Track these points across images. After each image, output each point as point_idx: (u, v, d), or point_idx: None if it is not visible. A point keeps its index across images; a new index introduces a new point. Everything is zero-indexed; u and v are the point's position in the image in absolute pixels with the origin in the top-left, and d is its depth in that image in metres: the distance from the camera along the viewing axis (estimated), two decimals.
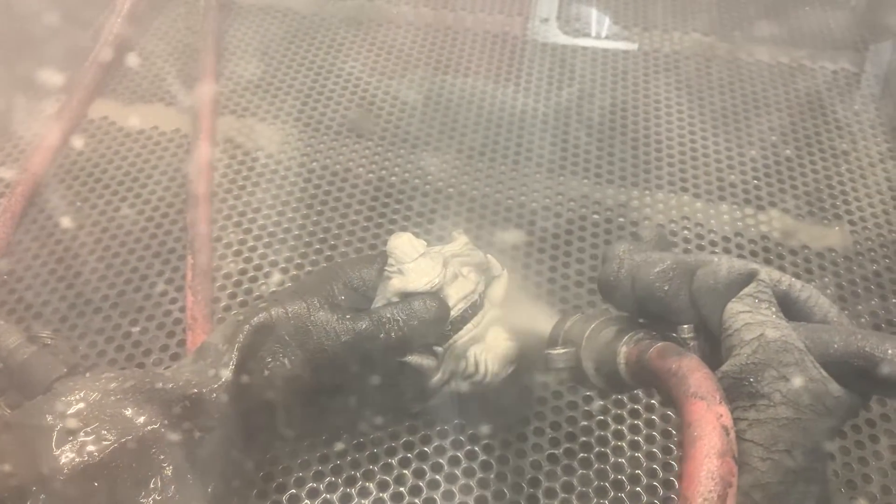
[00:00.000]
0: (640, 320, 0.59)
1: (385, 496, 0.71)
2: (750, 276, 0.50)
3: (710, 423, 0.41)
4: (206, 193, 0.96)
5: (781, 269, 0.88)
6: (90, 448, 0.50)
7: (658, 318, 0.56)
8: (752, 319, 0.47)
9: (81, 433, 0.50)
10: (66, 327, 0.85)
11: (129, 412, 0.53)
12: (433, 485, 0.72)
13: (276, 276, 0.90)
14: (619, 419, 0.77)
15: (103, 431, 0.51)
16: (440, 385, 0.67)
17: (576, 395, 0.78)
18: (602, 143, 1.08)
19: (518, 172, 1.03)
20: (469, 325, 0.67)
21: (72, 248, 0.94)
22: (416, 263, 0.65)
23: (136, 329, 0.85)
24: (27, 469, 0.49)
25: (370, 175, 1.03)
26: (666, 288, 0.53)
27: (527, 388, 0.79)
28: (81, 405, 0.52)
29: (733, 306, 0.49)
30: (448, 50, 1.24)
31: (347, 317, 0.61)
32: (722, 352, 0.49)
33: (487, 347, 0.68)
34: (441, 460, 0.74)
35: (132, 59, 1.21)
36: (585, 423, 0.76)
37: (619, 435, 0.75)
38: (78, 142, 1.07)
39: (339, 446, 0.74)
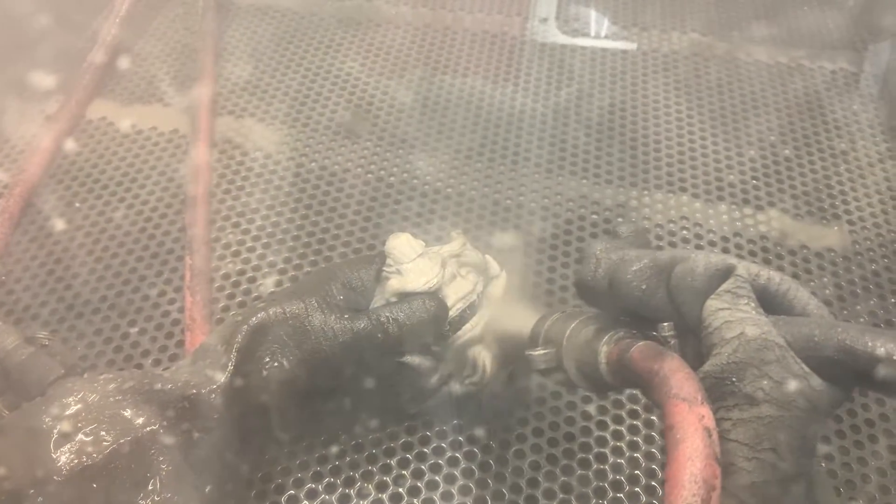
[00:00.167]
0: (621, 318, 0.58)
1: (384, 497, 0.71)
2: (728, 272, 0.50)
3: (692, 425, 0.40)
4: (204, 194, 0.96)
5: (780, 269, 0.88)
6: (88, 449, 0.50)
7: (637, 317, 0.56)
8: (731, 317, 0.47)
9: (80, 434, 0.50)
10: (65, 328, 0.85)
11: (127, 413, 0.53)
12: (432, 485, 0.72)
13: (274, 277, 0.90)
14: (617, 419, 0.76)
15: (101, 432, 0.51)
16: (439, 385, 0.67)
17: (574, 395, 0.78)
18: (600, 143, 1.07)
19: (516, 173, 1.03)
20: (467, 326, 0.67)
21: (70, 250, 0.94)
22: (415, 264, 0.65)
23: (134, 330, 0.85)
24: (24, 472, 0.49)
25: (368, 175, 1.03)
26: (643, 287, 0.53)
27: (525, 388, 0.79)
28: (79, 406, 0.52)
29: (712, 303, 0.48)
30: (447, 50, 1.24)
31: (345, 317, 0.61)
32: (702, 350, 0.49)
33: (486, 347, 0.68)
34: (440, 461, 0.74)
35: (130, 60, 1.21)
36: (584, 423, 0.76)
37: (617, 435, 0.75)
38: (76, 143, 1.07)
39: (338, 447, 0.74)
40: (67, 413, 0.52)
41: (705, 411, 0.41)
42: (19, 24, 1.14)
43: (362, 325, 0.61)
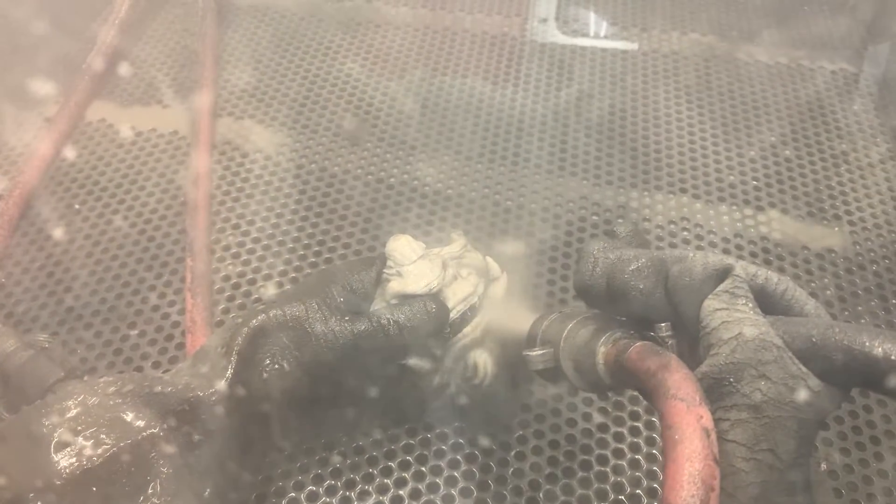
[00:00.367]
0: (618, 318, 0.58)
1: (385, 499, 0.71)
2: (725, 272, 0.50)
3: (690, 425, 0.40)
4: (204, 197, 0.96)
5: (781, 270, 0.88)
6: (88, 453, 0.50)
7: (635, 317, 0.56)
8: (729, 317, 0.47)
9: (79, 438, 0.50)
10: (64, 331, 0.85)
11: (127, 416, 0.52)
12: (433, 488, 0.72)
13: (275, 280, 0.90)
14: (618, 421, 0.76)
15: (101, 436, 0.51)
16: (439, 388, 0.67)
17: (575, 397, 0.78)
18: (601, 144, 1.07)
19: (516, 174, 1.03)
20: (468, 328, 0.67)
21: (69, 253, 0.93)
22: (415, 266, 0.65)
23: (133, 333, 0.85)
24: (24, 477, 0.49)
25: (368, 177, 1.03)
26: (641, 286, 0.53)
27: (526, 390, 0.78)
28: (79, 409, 0.52)
29: (710, 303, 0.48)
30: (446, 51, 1.24)
31: (346, 319, 0.61)
32: (700, 350, 0.48)
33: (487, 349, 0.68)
34: (440, 463, 0.73)
35: (129, 63, 1.21)
36: (585, 425, 0.76)
37: (619, 437, 0.75)
38: (75, 146, 1.07)
39: (339, 450, 0.74)
40: (67, 417, 0.51)
41: (703, 412, 0.41)
42: (17, 28, 1.14)
43: (363, 327, 0.60)
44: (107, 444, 0.50)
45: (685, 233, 0.95)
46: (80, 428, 0.51)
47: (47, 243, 0.94)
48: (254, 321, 0.59)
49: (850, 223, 0.96)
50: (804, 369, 0.44)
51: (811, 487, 0.46)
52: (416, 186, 1.01)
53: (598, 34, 1.28)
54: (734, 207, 0.98)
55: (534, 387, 0.79)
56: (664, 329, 0.52)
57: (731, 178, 1.02)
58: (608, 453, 0.74)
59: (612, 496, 0.71)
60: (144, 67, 1.21)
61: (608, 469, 0.73)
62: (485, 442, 0.75)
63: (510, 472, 0.73)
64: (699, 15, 1.31)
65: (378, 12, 1.32)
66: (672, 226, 0.96)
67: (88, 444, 0.50)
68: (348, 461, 0.73)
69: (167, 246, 0.94)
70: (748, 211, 0.98)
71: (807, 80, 1.18)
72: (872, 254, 0.93)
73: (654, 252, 0.54)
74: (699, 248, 0.93)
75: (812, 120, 1.11)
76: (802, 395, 0.44)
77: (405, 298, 0.64)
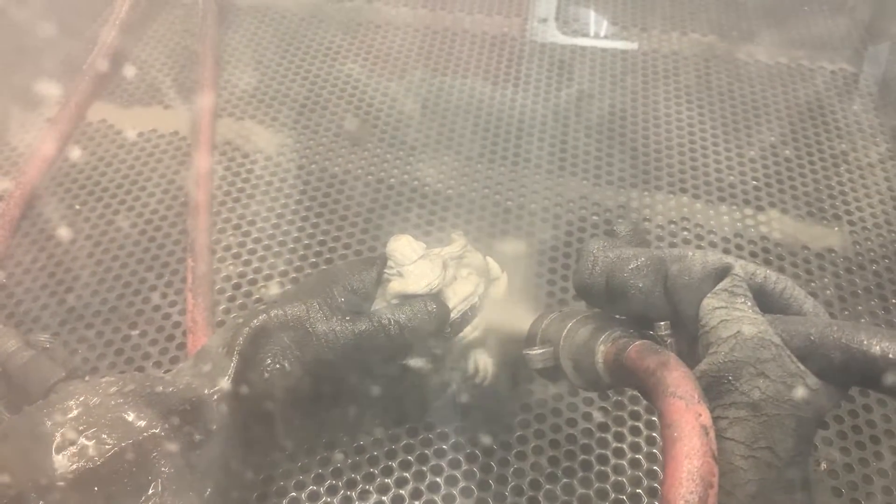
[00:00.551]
0: (618, 317, 0.58)
1: (385, 499, 0.71)
2: (725, 271, 0.50)
3: (689, 423, 0.40)
4: (205, 198, 0.96)
5: (781, 270, 0.88)
6: (90, 453, 0.50)
7: (634, 315, 0.56)
8: (728, 316, 0.47)
9: (81, 438, 0.50)
10: (66, 332, 0.85)
11: (129, 416, 0.53)
12: (433, 488, 0.72)
13: (276, 280, 0.90)
14: (619, 421, 0.76)
15: (103, 436, 0.51)
16: (440, 387, 0.67)
17: (576, 396, 0.78)
18: (601, 144, 1.07)
19: (517, 174, 1.03)
20: (469, 328, 0.67)
21: (70, 253, 0.94)
22: (416, 266, 0.65)
23: (135, 333, 0.85)
24: (26, 477, 0.49)
25: (369, 178, 1.03)
26: (640, 285, 0.53)
27: (527, 389, 0.79)
28: (81, 409, 0.52)
29: (709, 302, 0.48)
30: (446, 52, 1.24)
31: (347, 319, 0.61)
32: (699, 348, 0.49)
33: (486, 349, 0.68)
34: (441, 463, 0.73)
35: (130, 64, 1.21)
36: (586, 425, 0.76)
37: (619, 437, 0.75)
38: (76, 146, 1.07)
39: (340, 450, 0.74)
40: (69, 417, 0.52)
41: (702, 410, 0.41)
42: (17, 29, 1.14)
43: (364, 327, 0.61)
44: (108, 444, 0.51)
45: (685, 232, 0.95)
46: (81, 428, 0.51)
47: (49, 244, 0.95)
48: (255, 321, 0.59)
49: (850, 223, 0.97)
50: (802, 368, 0.45)
51: (809, 485, 0.46)
52: (417, 187, 1.01)
53: (598, 34, 1.28)
54: (734, 207, 0.98)
55: (534, 386, 0.79)
56: (663, 328, 0.52)
57: (731, 177, 1.02)
58: (608, 453, 0.74)
59: (612, 496, 0.71)
60: (145, 68, 1.21)
61: (608, 469, 0.73)
62: (485, 441, 0.75)
63: (511, 471, 0.73)
64: (699, 15, 1.32)
65: (378, 13, 1.32)
66: (672, 225, 0.96)
67: (90, 443, 0.50)
68: (349, 461, 0.74)
69: (168, 246, 0.94)
70: (748, 211, 0.98)
71: (807, 80, 1.19)
72: (872, 253, 0.93)
73: (653, 251, 0.54)
74: (699, 247, 0.93)
75: (812, 120, 1.11)
76: (801, 393, 0.44)
77: (406, 298, 0.64)
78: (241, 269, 0.91)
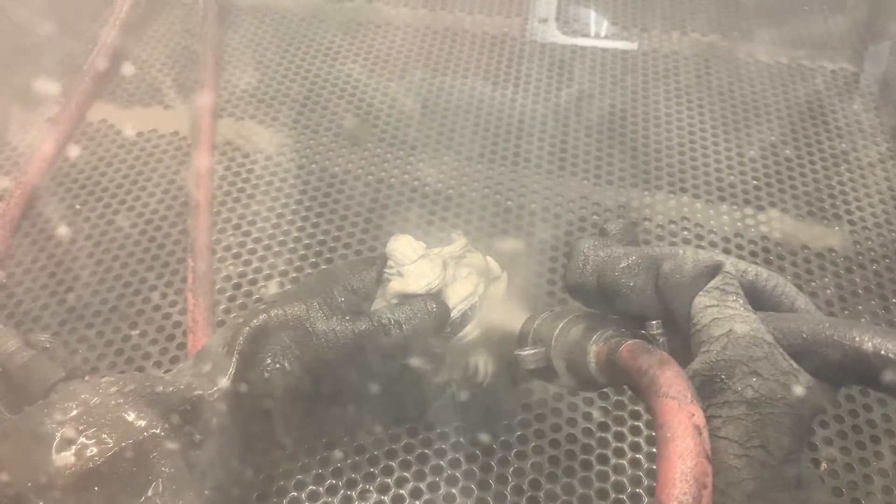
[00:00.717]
0: (610, 316, 0.58)
1: (386, 499, 0.71)
2: (716, 269, 0.50)
3: (681, 423, 0.40)
4: (205, 197, 0.96)
5: (781, 269, 0.88)
6: (90, 453, 0.50)
7: (625, 314, 0.56)
8: (719, 314, 0.47)
9: (81, 438, 0.50)
10: (66, 332, 0.85)
11: (129, 416, 0.53)
12: (433, 487, 0.72)
13: (276, 280, 0.90)
14: (619, 421, 0.76)
15: (103, 436, 0.51)
16: (440, 387, 0.67)
17: (576, 396, 0.78)
18: (601, 144, 1.07)
19: (517, 174, 1.03)
20: (469, 327, 0.67)
21: (70, 253, 0.94)
22: (416, 265, 0.65)
23: (135, 333, 0.85)
24: (26, 476, 0.49)
25: (369, 177, 1.03)
26: (631, 284, 0.53)
27: (527, 389, 0.79)
28: (81, 409, 0.52)
29: (700, 300, 0.48)
30: (447, 52, 1.24)
31: (347, 319, 0.61)
32: (691, 347, 0.48)
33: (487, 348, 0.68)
34: (441, 463, 0.73)
35: (130, 64, 1.21)
36: (586, 424, 0.76)
37: (619, 437, 0.75)
38: (76, 146, 1.07)
39: (340, 449, 0.74)
40: (69, 416, 0.52)
41: (695, 409, 0.41)
42: (18, 29, 1.14)
43: (364, 326, 0.61)
44: (109, 444, 0.51)
45: (685, 232, 0.95)
46: (81, 427, 0.51)
47: (49, 243, 0.95)
48: (255, 321, 0.59)
49: (851, 222, 0.97)
50: (795, 365, 0.44)
51: (804, 483, 0.46)
52: (417, 186, 1.02)
53: (598, 34, 1.28)
54: (734, 207, 0.98)
55: (534, 386, 0.79)
56: (655, 327, 0.52)
57: (731, 177, 1.02)
58: (609, 452, 0.74)
59: (612, 495, 0.71)
60: (145, 68, 1.21)
61: (609, 468, 0.73)
62: (486, 441, 0.75)
63: (511, 470, 0.73)
64: (699, 15, 1.32)
65: (379, 13, 1.32)
66: (672, 225, 0.96)
67: (90, 443, 0.50)
68: (349, 460, 0.74)
69: (168, 246, 0.94)
70: (748, 210, 0.98)
71: (807, 79, 1.19)
72: (872, 253, 0.93)
73: (644, 249, 0.54)
74: (700, 247, 0.93)
75: (812, 119, 1.11)
76: (793, 391, 0.44)
77: (406, 298, 0.64)
78: (241, 268, 0.91)
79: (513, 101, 1.15)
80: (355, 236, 0.95)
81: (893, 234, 0.95)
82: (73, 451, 0.50)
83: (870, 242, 0.94)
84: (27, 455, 0.50)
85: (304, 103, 1.15)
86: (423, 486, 0.72)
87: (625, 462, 0.73)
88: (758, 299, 0.49)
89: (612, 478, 0.72)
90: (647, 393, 0.44)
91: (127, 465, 0.50)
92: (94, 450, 0.50)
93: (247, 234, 0.95)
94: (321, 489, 0.72)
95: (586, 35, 1.28)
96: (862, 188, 1.01)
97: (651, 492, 0.71)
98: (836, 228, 0.96)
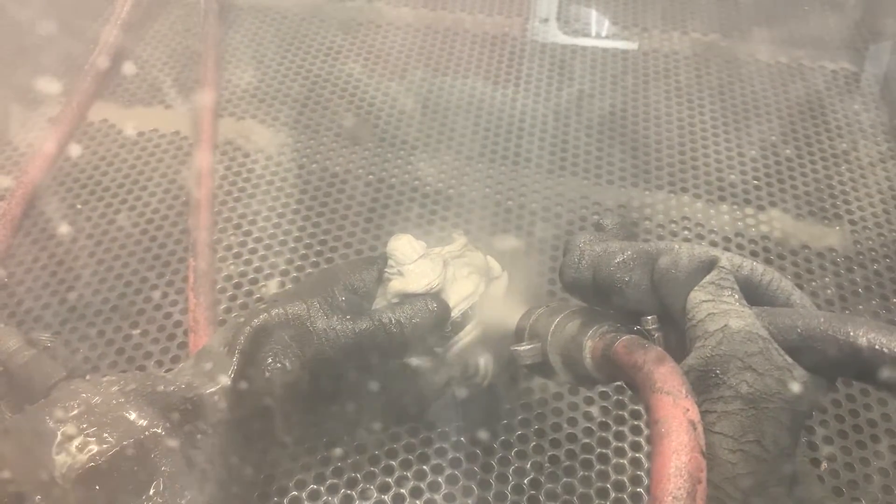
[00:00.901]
0: (606, 311, 0.58)
1: (386, 498, 0.71)
2: (711, 263, 0.50)
3: (676, 418, 0.40)
4: (206, 197, 0.96)
5: (782, 269, 0.88)
6: (92, 452, 0.50)
7: (621, 309, 0.56)
8: (715, 309, 0.47)
9: (83, 437, 0.50)
10: (67, 331, 0.85)
11: (130, 415, 0.53)
12: (434, 487, 0.72)
13: (276, 279, 0.90)
14: (619, 420, 0.76)
15: (105, 435, 0.51)
16: (441, 386, 0.67)
17: (576, 396, 0.78)
18: (601, 144, 1.08)
19: (517, 173, 1.03)
20: (469, 327, 0.67)
21: (71, 252, 0.94)
22: (416, 265, 0.65)
23: (136, 332, 0.85)
24: (27, 474, 0.49)
25: (369, 177, 1.03)
26: (627, 279, 0.53)
27: (527, 388, 0.79)
28: (82, 409, 0.52)
29: (696, 295, 0.48)
30: (447, 51, 1.24)
31: (347, 318, 0.61)
32: (686, 342, 0.48)
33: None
34: (442, 462, 0.74)
35: (131, 63, 1.21)
36: (587, 424, 0.76)
37: (620, 436, 0.75)
38: (77, 145, 1.07)
39: (340, 449, 0.74)
40: (70, 415, 0.52)
41: (690, 404, 0.41)
42: (20, 28, 1.14)
43: (364, 326, 0.61)
44: (110, 443, 0.51)
45: (686, 232, 0.95)
46: (83, 426, 0.51)
47: (50, 242, 0.95)
48: (256, 320, 0.59)
49: (851, 222, 0.97)
50: (789, 360, 0.45)
51: (800, 478, 0.46)
52: (417, 186, 1.02)
53: (599, 34, 1.28)
54: (735, 206, 0.99)
55: (535, 385, 0.79)
56: (650, 322, 0.52)
57: (732, 177, 1.02)
58: (609, 452, 0.74)
59: (612, 495, 0.71)
60: (146, 68, 1.21)
61: (609, 468, 0.73)
62: (486, 440, 0.75)
63: (511, 470, 0.73)
64: (700, 15, 1.32)
65: (379, 13, 1.32)
66: (673, 225, 0.96)
67: (91, 442, 0.50)
68: (350, 459, 0.74)
69: (169, 245, 0.94)
70: (749, 210, 0.98)
71: (807, 79, 1.19)
72: (873, 252, 0.93)
73: (639, 244, 0.54)
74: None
75: (813, 119, 1.11)
76: (788, 386, 0.44)
77: (406, 297, 0.64)
78: (242, 268, 0.91)
79: (513, 100, 1.15)
80: (356, 236, 0.95)
81: (893, 234, 0.95)
82: (74, 449, 0.50)
83: (870, 242, 0.94)
84: (29, 453, 0.50)
85: (305, 103, 1.15)
86: (423, 485, 0.72)
87: (625, 461, 0.73)
88: (753, 294, 0.49)
89: (613, 477, 0.72)
90: (642, 388, 0.44)
91: (128, 464, 0.51)
92: (96, 448, 0.50)
93: (247, 233, 0.95)
94: (322, 488, 0.72)
95: (587, 35, 1.28)
96: (862, 188, 1.01)
97: None
98: (837, 228, 0.96)
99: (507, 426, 0.76)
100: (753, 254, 0.92)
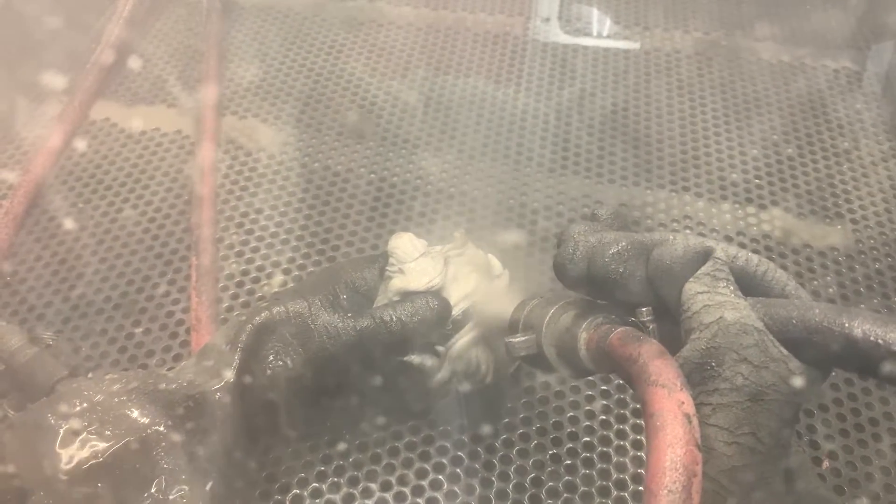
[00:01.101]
0: (600, 303, 0.58)
1: (388, 496, 0.71)
2: (706, 254, 0.50)
3: (671, 411, 0.40)
4: (209, 195, 0.96)
5: (783, 268, 0.88)
6: (94, 449, 0.50)
7: (615, 301, 0.55)
8: (710, 301, 0.47)
9: (85, 434, 0.51)
10: (69, 329, 0.86)
11: (132, 413, 0.53)
12: (436, 485, 0.72)
13: (279, 277, 0.90)
14: (621, 419, 0.77)
15: (107, 432, 0.51)
16: (442, 384, 0.67)
17: (578, 394, 0.78)
18: (603, 143, 1.08)
19: (519, 172, 1.03)
20: (470, 325, 0.67)
21: (74, 250, 0.94)
22: (418, 263, 0.65)
23: (138, 330, 0.86)
24: (30, 469, 0.49)
25: (371, 175, 1.03)
26: (621, 269, 0.53)
27: (529, 386, 0.79)
28: (85, 406, 0.53)
29: (691, 287, 0.48)
30: (449, 50, 1.24)
31: (349, 316, 0.61)
32: (681, 334, 0.48)
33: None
34: (443, 460, 0.74)
35: (134, 61, 1.21)
36: (588, 422, 0.76)
37: (621, 434, 0.75)
38: (80, 144, 1.07)
39: (342, 446, 0.74)
40: (72, 414, 0.52)
41: (685, 397, 0.41)
42: (24, 24, 1.14)
43: (366, 323, 0.61)
44: (112, 441, 0.51)
45: (688, 231, 0.95)
46: (85, 424, 0.51)
47: (52, 241, 0.95)
48: (257, 318, 0.59)
49: (853, 221, 0.96)
50: (785, 352, 0.45)
51: (799, 473, 0.46)
52: (419, 185, 1.02)
53: (600, 33, 1.28)
54: (736, 205, 0.99)
55: (536, 383, 0.79)
56: (645, 313, 0.51)
57: (734, 175, 1.02)
58: (611, 450, 0.74)
59: (614, 493, 0.71)
60: (149, 67, 1.21)
61: (610, 466, 0.73)
62: (487, 438, 0.75)
63: (512, 468, 0.73)
64: (701, 13, 1.32)
65: (381, 12, 1.32)
66: (674, 223, 0.96)
67: (94, 440, 0.51)
68: (351, 458, 0.74)
69: (171, 244, 0.95)
70: (750, 209, 0.98)
71: (809, 77, 1.19)
72: (875, 251, 0.93)
73: (634, 235, 0.54)
74: None
75: (815, 118, 1.11)
76: (783, 377, 0.44)
77: (407, 295, 0.64)
78: (244, 266, 0.91)
79: (515, 99, 1.15)
80: (358, 234, 0.95)
81: (895, 233, 0.95)
82: (76, 446, 0.50)
83: (872, 241, 0.94)
84: (32, 450, 0.50)
85: (307, 101, 1.15)
86: (425, 483, 0.72)
87: (626, 460, 0.73)
88: (748, 285, 0.49)
89: (615, 475, 0.72)
90: (637, 381, 0.44)
91: (130, 461, 0.51)
92: (98, 446, 0.50)
93: (250, 231, 0.95)
94: (324, 486, 0.72)
95: (588, 34, 1.28)
96: (864, 186, 1.01)
97: None
98: (839, 227, 0.96)
99: (509, 424, 0.76)
100: (755, 252, 0.92)
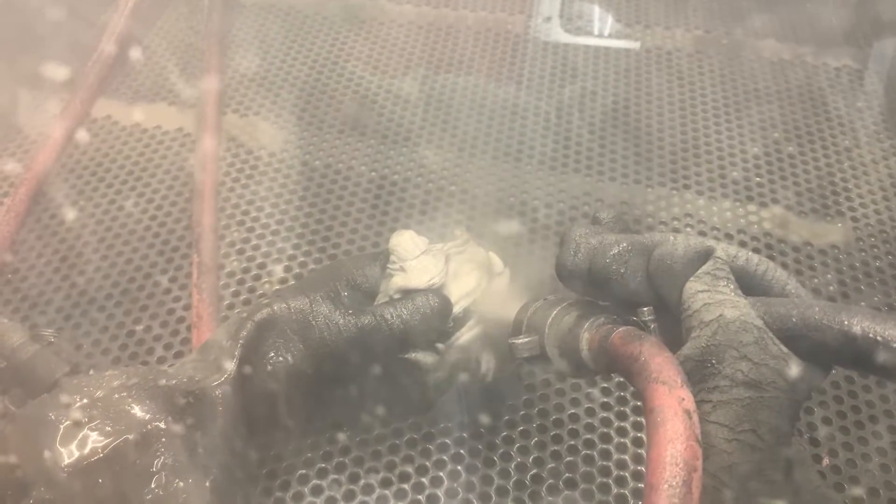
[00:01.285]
0: (602, 303, 0.58)
1: (388, 493, 0.72)
2: (707, 254, 0.50)
3: (672, 407, 0.40)
4: (210, 191, 0.96)
5: (784, 265, 0.89)
6: (94, 443, 0.50)
7: (617, 301, 0.56)
8: (710, 299, 0.47)
9: (86, 429, 0.51)
10: (70, 325, 0.86)
11: (132, 409, 0.53)
12: (436, 481, 0.72)
13: (280, 274, 0.90)
14: (621, 416, 0.77)
15: (107, 428, 0.51)
16: (443, 382, 0.67)
17: (578, 391, 0.78)
18: (603, 140, 1.08)
19: (520, 169, 1.03)
20: (471, 323, 0.67)
21: (75, 246, 0.94)
22: (418, 261, 0.65)
23: (139, 327, 0.86)
24: (31, 463, 0.49)
25: (373, 173, 1.03)
26: (622, 270, 0.53)
27: (529, 384, 0.79)
28: (86, 402, 0.53)
29: (691, 286, 0.49)
30: (450, 48, 1.24)
31: (350, 313, 0.61)
32: (682, 332, 0.49)
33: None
34: (444, 457, 0.74)
35: (136, 57, 1.21)
36: (588, 420, 0.76)
37: (622, 432, 0.75)
38: (82, 140, 1.07)
39: (343, 443, 0.74)
40: (73, 409, 0.52)
41: (685, 394, 0.41)
42: (26, 17, 1.14)
43: (366, 321, 0.61)
44: (113, 436, 0.51)
45: (688, 228, 0.95)
46: (85, 420, 0.51)
47: (53, 239, 0.95)
48: (258, 314, 0.59)
49: (853, 218, 0.96)
50: (784, 350, 0.45)
51: (793, 466, 0.46)
52: (420, 182, 1.02)
53: (601, 32, 1.28)
54: (737, 203, 0.99)
55: (537, 381, 0.79)
56: (646, 313, 0.52)
57: (734, 173, 1.02)
58: (611, 448, 0.74)
59: (614, 490, 0.71)
60: (150, 65, 1.22)
61: (611, 463, 0.73)
62: (488, 436, 0.75)
63: (513, 466, 0.73)
64: (702, 11, 1.31)
65: (382, 10, 1.33)
66: (675, 222, 0.96)
67: (94, 434, 0.51)
68: (352, 455, 0.74)
69: (172, 241, 0.95)
70: (751, 207, 0.98)
71: (811, 76, 1.18)
72: (875, 249, 0.93)
73: (635, 236, 0.54)
74: None
75: (816, 116, 1.11)
76: (783, 375, 0.44)
77: (408, 293, 0.64)
78: (245, 263, 0.92)
79: (516, 96, 1.15)
80: (359, 231, 0.95)
81: (895, 230, 0.95)
82: (77, 441, 0.50)
83: (872, 238, 0.94)
84: (32, 445, 0.50)
85: (308, 99, 1.15)
86: (425, 479, 0.72)
87: (627, 457, 0.73)
88: (749, 284, 0.50)
89: (615, 473, 0.72)
90: (638, 378, 0.44)
91: (130, 457, 0.51)
92: (99, 441, 0.50)
93: (251, 229, 0.96)
94: (324, 483, 0.72)
95: (590, 33, 1.28)
96: (865, 185, 1.01)
97: None
98: (839, 224, 0.96)
99: (509, 421, 0.76)
100: (755, 251, 0.92)
